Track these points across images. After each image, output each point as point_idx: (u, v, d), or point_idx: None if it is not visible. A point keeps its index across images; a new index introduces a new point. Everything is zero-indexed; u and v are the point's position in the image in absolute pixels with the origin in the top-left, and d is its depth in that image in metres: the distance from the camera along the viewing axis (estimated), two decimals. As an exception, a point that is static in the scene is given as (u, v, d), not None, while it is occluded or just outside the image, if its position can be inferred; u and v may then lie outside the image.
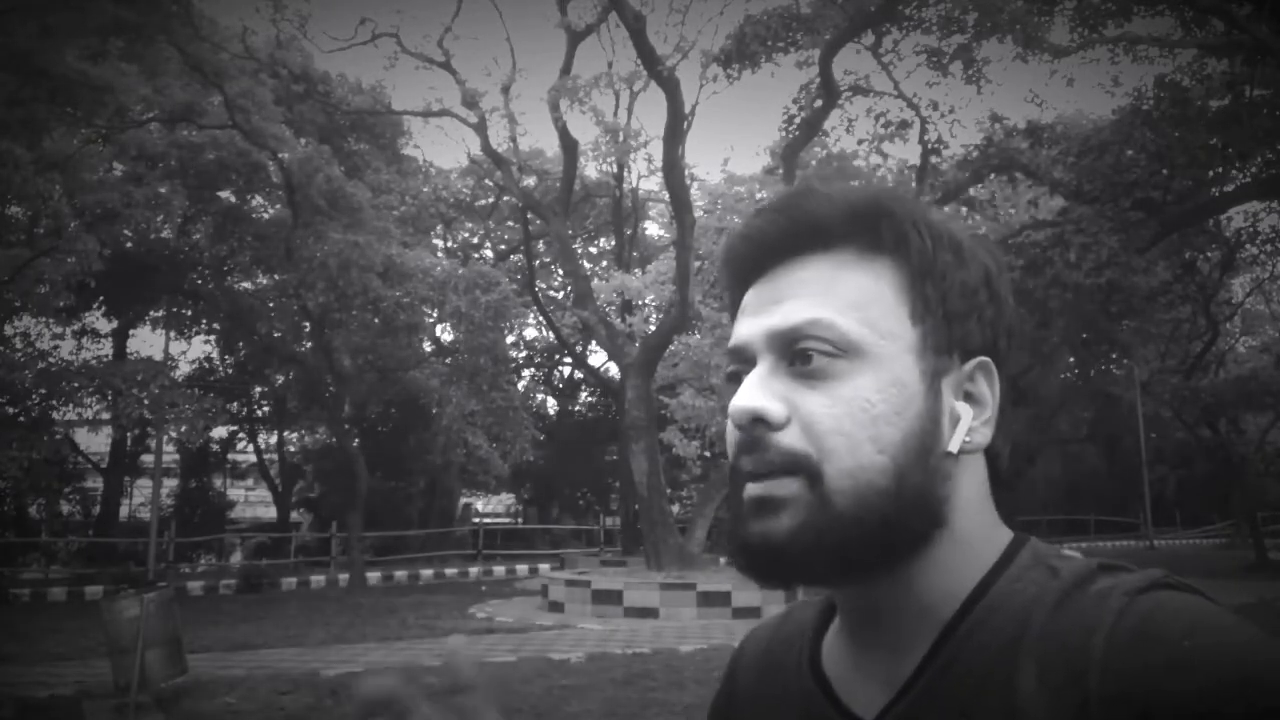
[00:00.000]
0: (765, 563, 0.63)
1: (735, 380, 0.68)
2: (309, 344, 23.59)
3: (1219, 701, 0.50)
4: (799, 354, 0.64)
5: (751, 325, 0.67)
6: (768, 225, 0.68)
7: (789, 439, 0.62)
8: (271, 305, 24.27)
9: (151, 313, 24.63)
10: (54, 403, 18.00)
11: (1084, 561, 0.62)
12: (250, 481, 33.78)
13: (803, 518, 0.61)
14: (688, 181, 19.26)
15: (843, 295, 0.65)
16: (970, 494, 0.65)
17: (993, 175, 17.46)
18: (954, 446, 0.64)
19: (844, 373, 0.63)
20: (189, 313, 24.90)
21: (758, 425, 0.63)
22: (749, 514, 0.63)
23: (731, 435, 0.66)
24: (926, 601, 0.63)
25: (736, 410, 0.64)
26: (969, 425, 0.65)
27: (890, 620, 0.64)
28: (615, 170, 25.98)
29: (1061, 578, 0.60)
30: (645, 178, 28.40)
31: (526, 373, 34.45)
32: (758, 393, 0.63)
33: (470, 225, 32.08)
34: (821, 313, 0.64)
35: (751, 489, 0.63)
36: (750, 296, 0.70)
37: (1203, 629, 0.53)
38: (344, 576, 20.63)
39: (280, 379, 27.66)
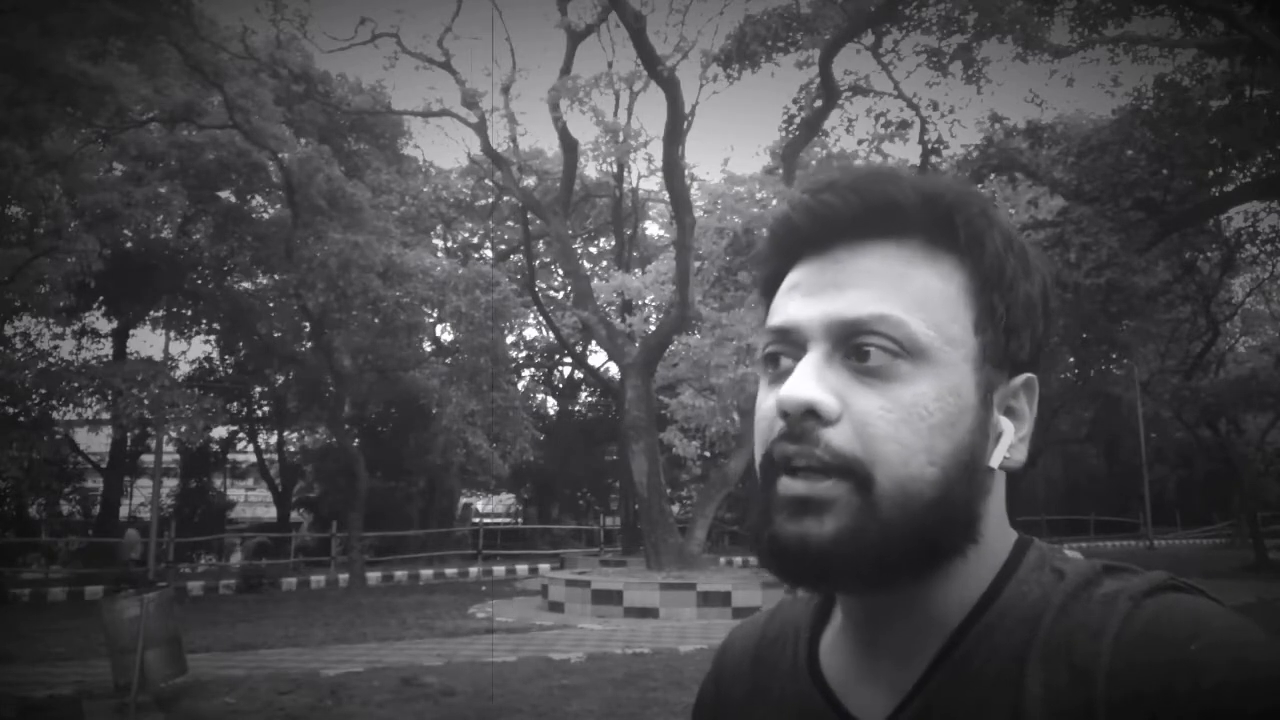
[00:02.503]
0: (799, 565, 0.59)
1: (773, 362, 0.64)
2: (309, 344, 23.59)
3: (1227, 703, 0.49)
4: (857, 348, 0.60)
5: (807, 307, 0.63)
6: (839, 203, 0.64)
7: (840, 438, 0.59)
8: (271, 305, 24.28)
9: (151, 313, 24.65)
10: (54, 403, 18.00)
11: (1089, 564, 0.62)
12: (250, 481, 33.80)
13: (846, 523, 0.58)
14: (688, 181, 19.26)
15: (912, 293, 0.61)
16: (996, 505, 0.64)
17: (993, 175, 17.44)
18: (995, 462, 0.62)
19: (904, 375, 0.60)
20: (189, 313, 24.91)
21: (808, 417, 0.59)
22: (785, 511, 0.59)
23: (768, 422, 0.62)
24: (939, 608, 0.62)
25: (790, 399, 0.59)
26: (1010, 441, 0.63)
27: (900, 626, 0.63)
28: (615, 170, 25.99)
29: (1067, 580, 0.60)
30: (645, 178, 28.45)
31: (526, 373, 34.47)
32: (813, 383, 0.59)
33: (470, 225, 32.09)
34: (891, 309, 0.60)
35: (790, 485, 0.59)
36: (803, 274, 0.65)
37: (1209, 631, 0.53)
38: (344, 576, 20.63)
39: (280, 379, 27.66)
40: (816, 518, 0.58)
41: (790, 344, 0.63)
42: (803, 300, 0.63)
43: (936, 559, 0.60)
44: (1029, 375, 0.65)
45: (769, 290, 0.69)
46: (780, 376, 0.63)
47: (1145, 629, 0.54)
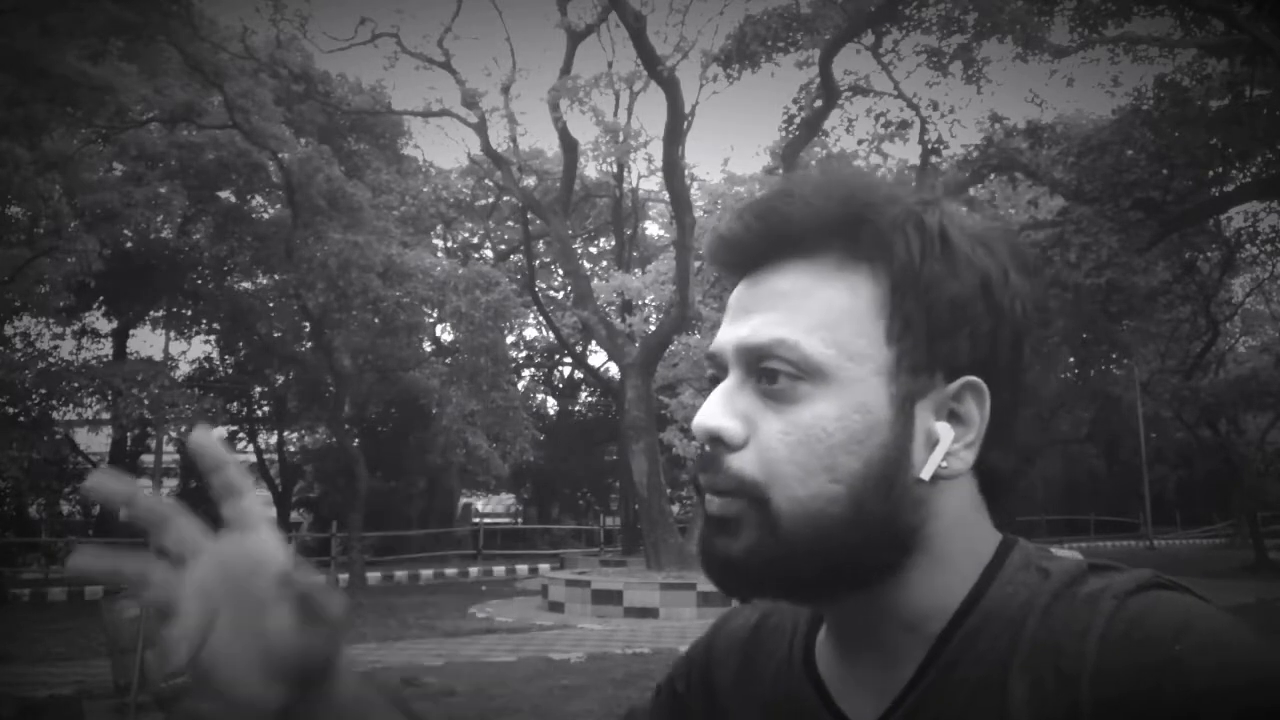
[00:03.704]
0: (722, 578, 0.62)
1: (713, 384, 0.66)
2: (309, 344, 23.59)
3: (1212, 703, 0.49)
4: (766, 372, 0.61)
5: (725, 333, 0.65)
6: (743, 231, 0.65)
7: (740, 463, 0.60)
8: (271, 305, 24.27)
9: (151, 313, 24.64)
10: (54, 403, 17.98)
11: (1074, 562, 0.61)
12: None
13: (754, 539, 0.60)
14: (688, 181, 19.27)
15: (813, 312, 0.61)
16: (957, 514, 0.62)
17: (993, 175, 17.45)
18: (926, 473, 0.60)
19: (805, 396, 0.60)
20: (189, 313, 24.91)
21: (716, 444, 0.61)
22: (709, 528, 0.62)
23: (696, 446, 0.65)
24: (913, 617, 0.62)
25: (697, 427, 0.62)
26: (947, 449, 0.61)
27: (879, 634, 0.63)
28: (615, 170, 25.99)
29: (1052, 580, 0.59)
30: (645, 178, 28.42)
31: (526, 373, 34.48)
32: (719, 410, 0.62)
33: (470, 225, 32.09)
34: (787, 332, 0.61)
35: (710, 503, 0.62)
36: (732, 298, 0.67)
37: (1194, 630, 0.52)
38: (344, 576, 20.62)
39: (280, 379, 27.66)
40: (731, 535, 0.61)
41: (719, 367, 0.65)
42: (726, 325, 0.65)
43: (868, 573, 0.61)
44: (970, 379, 0.62)
45: None
46: None
47: (1130, 628, 0.54)
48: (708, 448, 0.62)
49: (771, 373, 0.61)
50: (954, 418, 0.62)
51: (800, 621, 0.72)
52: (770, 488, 0.59)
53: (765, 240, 0.64)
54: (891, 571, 0.61)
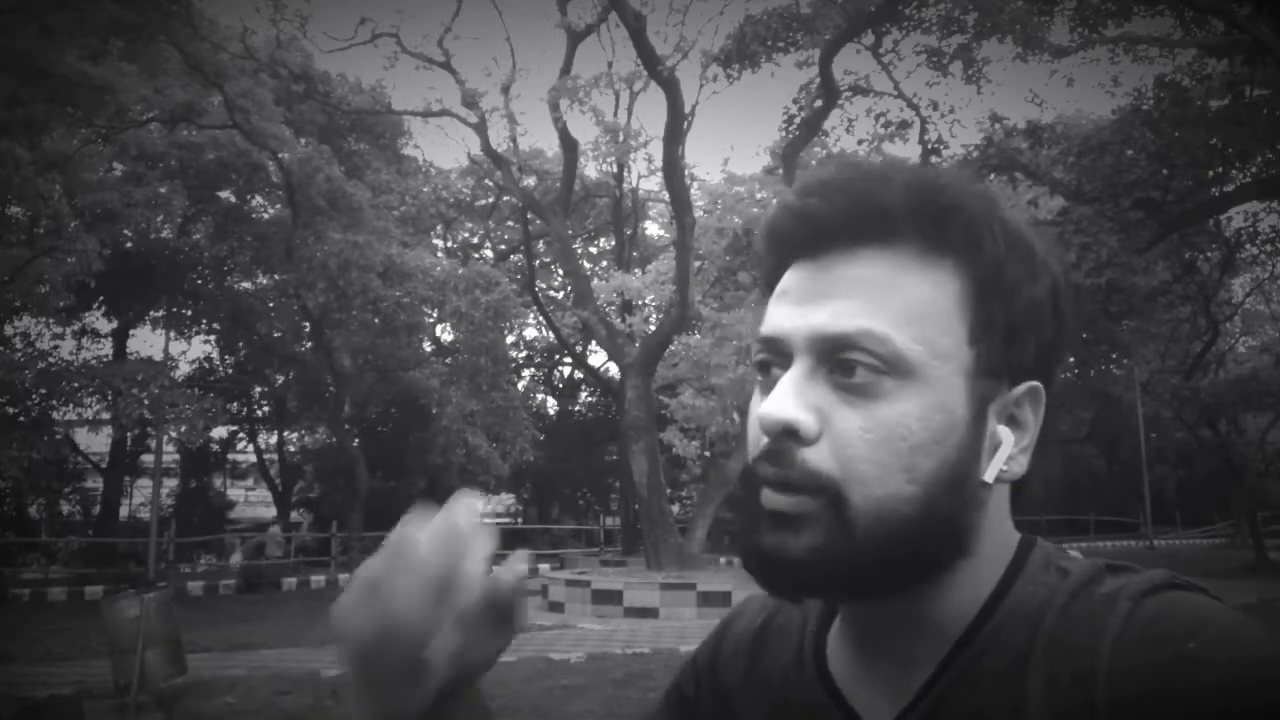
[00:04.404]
0: (777, 576, 0.59)
1: (764, 370, 0.63)
2: (309, 344, 23.60)
3: (1227, 702, 0.49)
4: (842, 364, 0.58)
5: (792, 317, 0.61)
6: (825, 206, 0.61)
7: (817, 458, 0.58)
8: (271, 305, 24.27)
9: (151, 313, 24.63)
10: (54, 403, 17.99)
11: (1091, 562, 0.61)
12: (250, 481, 33.77)
13: (821, 539, 0.57)
14: (688, 181, 19.27)
15: (901, 305, 0.58)
16: (996, 515, 0.62)
17: (993, 175, 17.44)
18: (990, 476, 0.60)
19: (888, 393, 0.58)
20: (189, 313, 24.90)
21: (787, 437, 0.58)
22: (765, 524, 0.59)
23: (755, 435, 0.61)
24: (942, 616, 0.61)
25: (768, 419, 0.59)
26: (1008, 453, 0.60)
27: (902, 633, 0.62)
28: (615, 170, 25.99)
29: (1070, 580, 0.59)
30: (645, 178, 28.43)
31: (526, 373, 34.48)
32: (792, 402, 0.58)
33: (470, 225, 32.09)
34: (876, 324, 0.58)
35: (770, 499, 0.59)
36: (793, 280, 0.63)
37: (1209, 629, 0.52)
38: (344, 576, 20.63)
39: (280, 379, 27.66)
40: (793, 532, 0.58)
41: (778, 354, 0.62)
42: (790, 309, 0.61)
43: (922, 573, 0.59)
44: (1033, 383, 0.62)
45: (769, 290, 0.67)
46: (769, 386, 0.61)
47: (1145, 628, 0.54)
48: (775, 444, 0.59)
49: (850, 365, 0.58)
50: (1012, 422, 0.62)
51: (810, 620, 0.71)
52: (847, 486, 0.57)
53: (847, 220, 0.60)
54: (943, 572, 0.60)
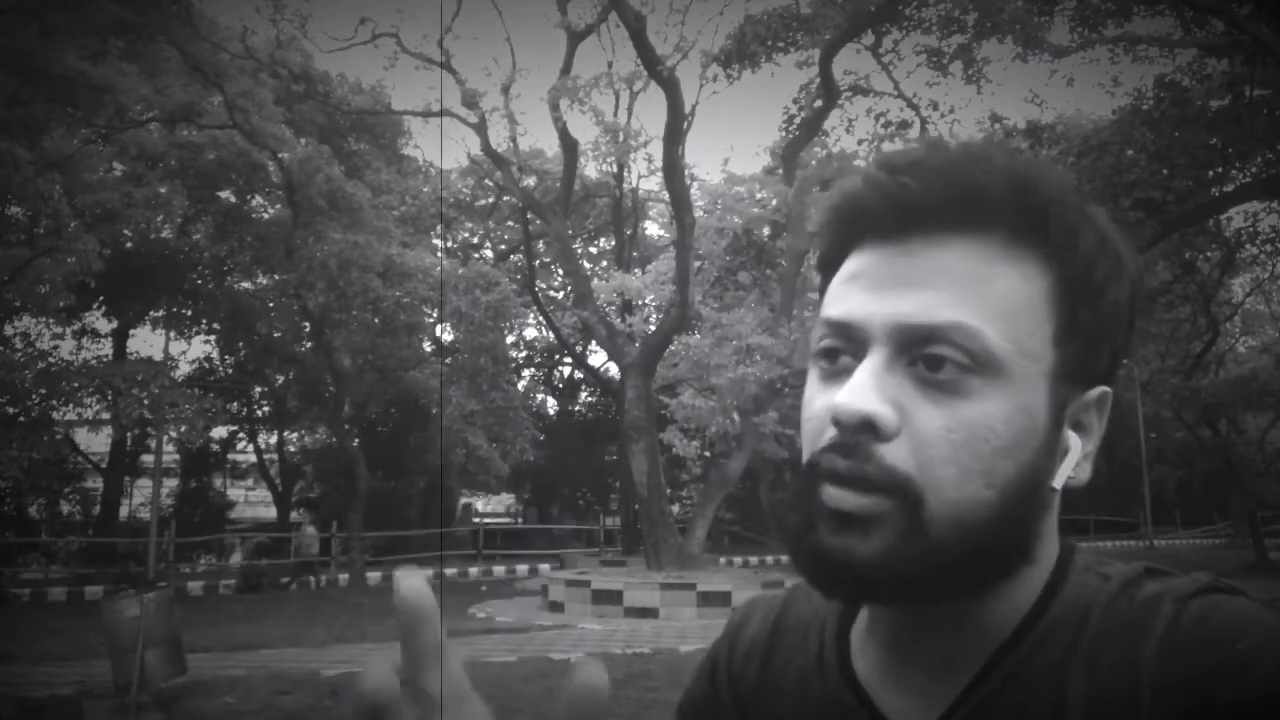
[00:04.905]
0: (841, 579, 0.56)
1: (830, 358, 0.59)
2: (309, 344, 23.59)
3: (1274, 704, 0.49)
4: (927, 358, 0.55)
5: (870, 303, 0.57)
6: (920, 187, 0.57)
7: (895, 456, 0.54)
8: (271, 305, 24.28)
9: (151, 313, 24.63)
10: (54, 403, 17.99)
11: (1131, 566, 0.60)
12: (250, 481, 33.77)
13: (892, 543, 0.54)
14: (688, 181, 19.26)
15: (992, 298, 0.55)
16: (1051, 519, 0.60)
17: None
18: (1059, 482, 0.58)
19: (974, 391, 0.54)
20: (189, 313, 24.90)
21: (864, 431, 0.55)
22: (828, 523, 0.55)
23: (819, 424, 0.57)
24: (990, 619, 0.59)
25: (846, 410, 0.54)
26: (1075, 459, 0.58)
27: (945, 637, 0.60)
28: (615, 170, 25.98)
29: (1111, 584, 0.59)
30: (645, 178, 28.43)
31: (526, 373, 34.48)
32: (872, 394, 0.54)
33: (470, 225, 32.09)
34: (967, 316, 0.55)
35: (835, 496, 0.55)
36: (868, 262, 0.59)
37: (1255, 632, 0.52)
38: (344, 576, 20.63)
39: (280, 379, 27.66)
40: (862, 533, 0.55)
41: (850, 341, 0.58)
42: (866, 294, 0.57)
43: (988, 580, 0.57)
44: (1105, 389, 0.60)
45: (828, 270, 0.63)
46: (836, 375, 0.58)
47: (1191, 631, 0.53)
48: (850, 436, 0.55)
49: (937, 359, 0.55)
50: (1079, 427, 0.59)
51: (829, 621, 0.68)
52: (925, 488, 0.54)
53: (942, 204, 0.56)
54: (1005, 577, 0.58)
